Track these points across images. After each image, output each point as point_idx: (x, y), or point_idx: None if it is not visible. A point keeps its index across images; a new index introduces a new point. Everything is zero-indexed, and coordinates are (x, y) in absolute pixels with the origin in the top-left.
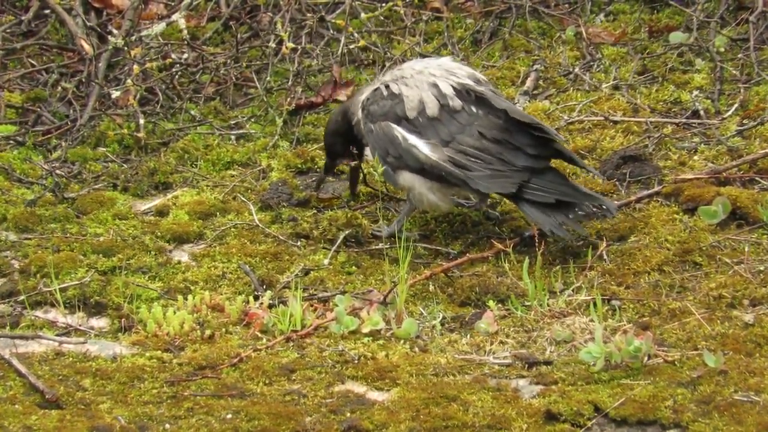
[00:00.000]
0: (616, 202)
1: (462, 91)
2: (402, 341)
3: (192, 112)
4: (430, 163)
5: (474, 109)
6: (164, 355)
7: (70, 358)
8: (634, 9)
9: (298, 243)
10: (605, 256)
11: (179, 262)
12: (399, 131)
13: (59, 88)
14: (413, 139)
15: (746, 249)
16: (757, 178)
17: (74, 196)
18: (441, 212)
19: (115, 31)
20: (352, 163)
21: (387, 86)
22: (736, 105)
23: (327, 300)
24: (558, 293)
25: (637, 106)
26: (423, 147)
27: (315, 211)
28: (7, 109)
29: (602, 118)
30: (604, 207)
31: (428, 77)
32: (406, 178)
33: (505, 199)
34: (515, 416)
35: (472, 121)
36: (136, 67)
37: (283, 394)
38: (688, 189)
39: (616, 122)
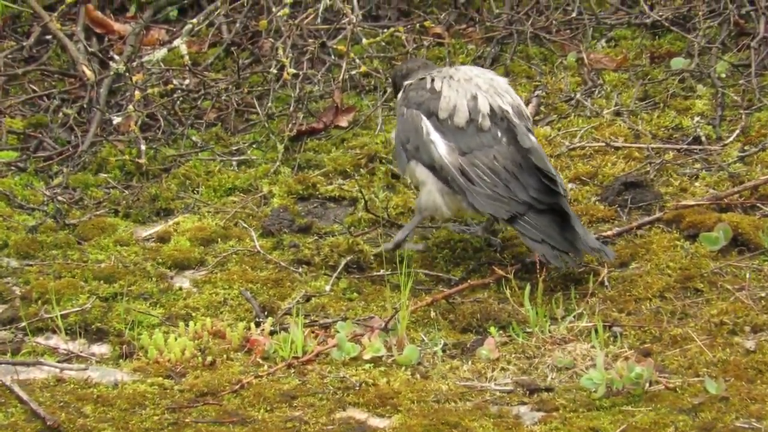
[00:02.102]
0: (617, 228)
1: (497, 114)
2: (403, 368)
3: (193, 138)
4: (441, 164)
5: (499, 135)
6: (165, 382)
7: (72, 385)
8: (635, 35)
9: (300, 269)
10: (606, 283)
11: (180, 289)
12: (425, 123)
13: (61, 114)
14: (435, 136)
15: (747, 275)
16: (758, 205)
17: (75, 222)
18: (445, 218)
19: (116, 57)
20: None
21: (433, 79)
22: (737, 131)
23: (328, 326)
24: (559, 320)
25: (639, 132)
26: (441, 146)
27: (316, 238)
28: (8, 135)
29: (603, 144)
30: (601, 254)
31: (473, 87)
32: (421, 172)
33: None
34: None
35: (493, 144)
36: (137, 92)
37: (285, 420)
38: (690, 215)
39: (617, 148)
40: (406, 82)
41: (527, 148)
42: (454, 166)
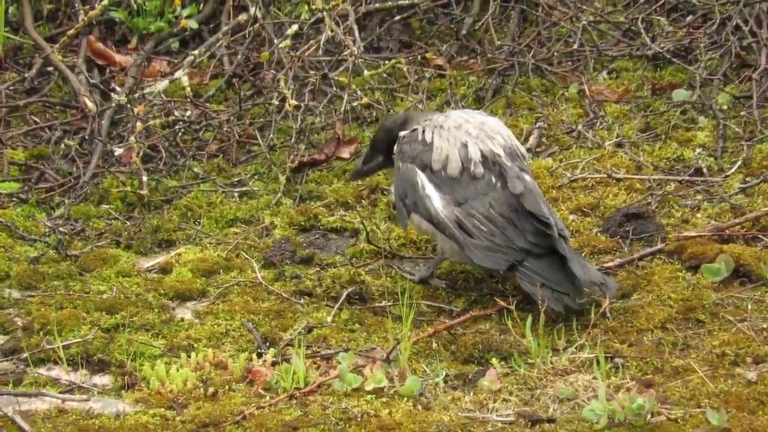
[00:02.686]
0: (618, 260)
1: (489, 159)
2: (405, 399)
3: (195, 170)
4: (438, 219)
5: (494, 180)
6: (167, 413)
7: (74, 416)
8: (637, 66)
9: (302, 300)
10: (608, 314)
11: (182, 320)
12: (420, 177)
13: (62, 145)
14: (430, 189)
15: (749, 306)
16: (760, 236)
17: (77, 253)
18: (466, 263)
19: (118, 89)
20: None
21: (424, 130)
22: (739, 162)
23: (330, 357)
24: (561, 351)
25: (640, 164)
26: (436, 200)
27: (318, 269)
28: (10, 166)
29: (605, 176)
30: (603, 287)
31: (463, 135)
32: (427, 225)
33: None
34: None
35: (488, 191)
36: (139, 124)
37: None
38: (691, 246)
39: (619, 180)
40: (402, 132)
41: (518, 194)
42: (450, 219)
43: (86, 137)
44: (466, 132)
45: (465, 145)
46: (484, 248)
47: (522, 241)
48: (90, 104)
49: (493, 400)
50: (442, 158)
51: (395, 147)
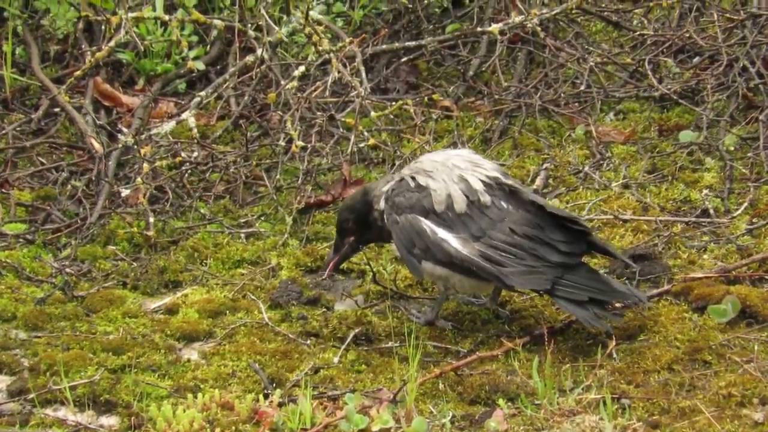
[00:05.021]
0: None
1: (492, 185)
2: None
3: (202, 211)
4: (460, 258)
5: (504, 204)
6: None
7: None
8: (644, 108)
9: (308, 341)
10: (615, 355)
11: (189, 361)
12: (427, 224)
13: (69, 186)
14: (442, 233)
15: (756, 348)
16: (766, 277)
17: (84, 294)
18: (485, 293)
19: (125, 130)
20: (351, 242)
21: (413, 178)
22: (745, 204)
23: (337, 398)
24: (568, 391)
25: (647, 205)
26: (453, 241)
27: (325, 310)
28: (17, 207)
29: (612, 217)
30: (636, 298)
31: (454, 169)
32: (441, 270)
33: (525, 294)
34: None
35: (503, 217)
36: (145, 165)
37: None
38: (698, 288)
39: (625, 221)
40: (385, 188)
41: (541, 204)
42: (474, 255)
43: (93, 178)
44: (455, 166)
45: (463, 179)
46: (520, 273)
47: (556, 256)
48: (97, 145)
49: None
50: (444, 198)
51: (382, 204)
